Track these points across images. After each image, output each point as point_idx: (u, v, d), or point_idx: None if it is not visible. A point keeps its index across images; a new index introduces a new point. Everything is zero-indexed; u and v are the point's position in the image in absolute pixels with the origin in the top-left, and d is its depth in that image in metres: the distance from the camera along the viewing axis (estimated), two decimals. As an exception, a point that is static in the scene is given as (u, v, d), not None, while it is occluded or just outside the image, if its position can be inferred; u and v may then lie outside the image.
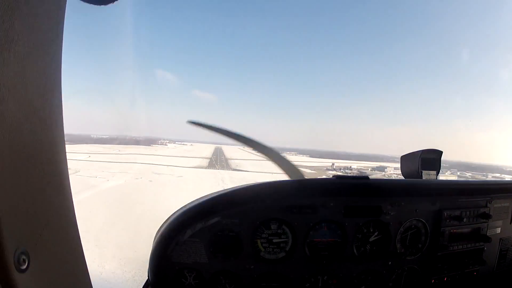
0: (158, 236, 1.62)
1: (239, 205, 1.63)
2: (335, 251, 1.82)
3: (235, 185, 1.79)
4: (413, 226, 1.98)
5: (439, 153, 2.36)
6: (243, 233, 1.67)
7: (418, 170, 2.30)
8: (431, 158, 2.33)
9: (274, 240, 1.72)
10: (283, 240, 1.73)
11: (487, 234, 2.19)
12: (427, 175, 2.31)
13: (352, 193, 1.80)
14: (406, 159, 2.45)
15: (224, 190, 1.66)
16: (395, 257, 1.95)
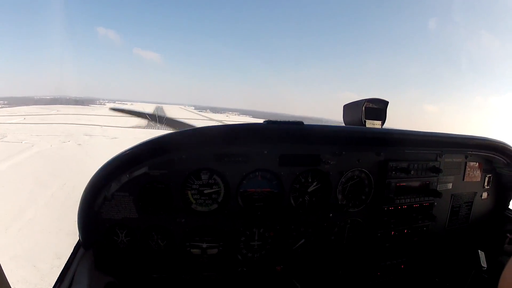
0: (83, 191, 1.46)
1: (165, 153, 1.48)
2: (271, 202, 1.74)
3: None
4: (355, 177, 1.90)
5: (385, 102, 2.22)
6: (172, 185, 1.58)
7: (362, 119, 2.17)
8: (376, 108, 2.20)
9: (205, 191, 1.63)
10: (214, 190, 1.65)
11: (438, 189, 2.11)
12: (371, 124, 2.18)
13: (285, 139, 1.64)
14: (348, 108, 2.32)
15: (151, 137, 1.45)
16: (336, 209, 1.88)
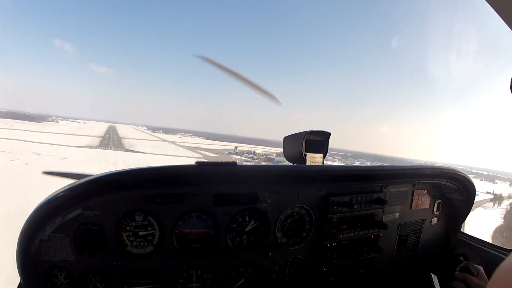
0: (19, 234, 1.41)
1: (97, 195, 1.43)
2: (207, 242, 1.69)
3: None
4: (295, 214, 1.85)
5: (327, 134, 2.18)
6: (107, 226, 1.50)
7: (302, 152, 2.10)
8: (317, 140, 2.14)
9: (140, 233, 1.56)
10: (149, 232, 1.57)
11: (383, 220, 2.08)
12: (312, 158, 2.12)
13: (217, 181, 1.61)
14: (289, 140, 2.24)
15: (84, 178, 1.44)
16: (275, 248, 1.82)
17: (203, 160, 1.56)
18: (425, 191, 2.31)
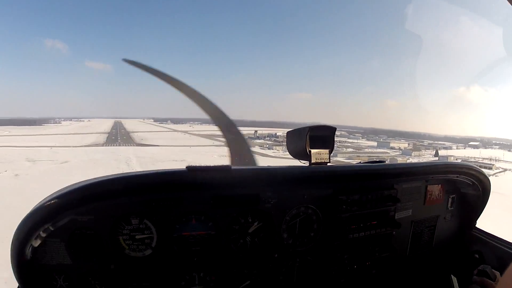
0: (11, 242, 1.46)
1: (90, 202, 1.45)
2: (208, 245, 1.69)
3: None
4: (301, 214, 1.82)
5: (332, 129, 2.05)
6: (101, 231, 1.53)
7: (306, 149, 1.95)
8: (322, 136, 2.00)
9: (137, 237, 1.58)
10: (147, 235, 1.59)
11: (396, 218, 2.03)
12: (318, 154, 1.98)
13: (211, 187, 1.59)
14: (292, 136, 2.12)
15: (75, 184, 1.47)
16: (281, 249, 1.80)
17: (194, 164, 1.57)
18: (439, 186, 2.24)
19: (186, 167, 1.55)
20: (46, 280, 1.53)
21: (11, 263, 1.44)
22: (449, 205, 2.32)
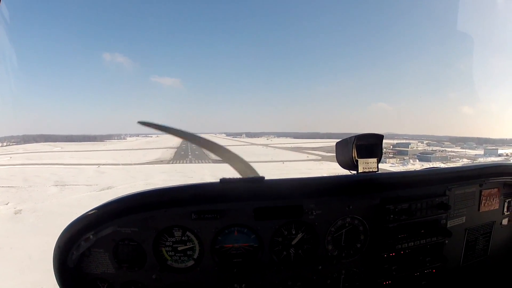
0: (53, 252, 1.53)
1: (132, 213, 1.54)
2: (250, 257, 1.71)
3: None
4: (347, 224, 1.79)
5: (379, 137, 2.04)
6: (145, 242, 1.60)
7: (353, 159, 1.97)
8: (369, 144, 2.00)
9: (179, 248, 1.64)
10: (189, 247, 1.65)
11: (448, 226, 1.96)
12: (365, 163, 1.99)
13: (243, 198, 1.64)
14: (340, 147, 2.11)
15: (118, 197, 1.59)
16: (326, 261, 1.78)
17: (228, 177, 1.63)
18: (495, 190, 2.15)
19: (220, 180, 1.58)
20: (90, 287, 1.60)
21: (54, 269, 1.49)
22: (505, 209, 2.21)
